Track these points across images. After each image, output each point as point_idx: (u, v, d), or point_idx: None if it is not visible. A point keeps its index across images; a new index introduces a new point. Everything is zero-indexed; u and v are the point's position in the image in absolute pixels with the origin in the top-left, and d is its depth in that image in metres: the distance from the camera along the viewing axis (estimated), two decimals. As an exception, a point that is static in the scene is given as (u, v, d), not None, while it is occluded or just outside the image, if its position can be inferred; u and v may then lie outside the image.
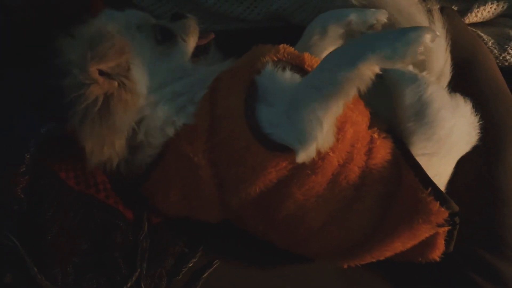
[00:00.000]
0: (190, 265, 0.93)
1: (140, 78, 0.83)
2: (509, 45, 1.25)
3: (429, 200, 0.82)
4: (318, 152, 0.79)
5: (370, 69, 0.74)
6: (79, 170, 0.87)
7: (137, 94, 0.81)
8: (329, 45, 0.99)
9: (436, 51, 1.01)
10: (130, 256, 0.85)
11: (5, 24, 1.13)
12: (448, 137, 0.90)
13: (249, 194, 0.84)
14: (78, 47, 0.77)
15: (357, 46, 0.79)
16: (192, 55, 0.95)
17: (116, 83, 0.78)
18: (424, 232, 0.85)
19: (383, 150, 0.87)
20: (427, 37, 0.74)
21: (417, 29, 0.76)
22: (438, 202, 0.81)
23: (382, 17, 0.99)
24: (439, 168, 0.93)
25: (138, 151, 0.85)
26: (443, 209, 0.81)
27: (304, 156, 0.78)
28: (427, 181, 0.83)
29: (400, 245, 0.88)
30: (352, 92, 0.76)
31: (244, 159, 0.81)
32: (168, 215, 0.92)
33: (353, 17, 0.98)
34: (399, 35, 0.76)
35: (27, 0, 1.17)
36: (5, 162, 0.79)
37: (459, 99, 0.97)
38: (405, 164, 0.86)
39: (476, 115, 0.97)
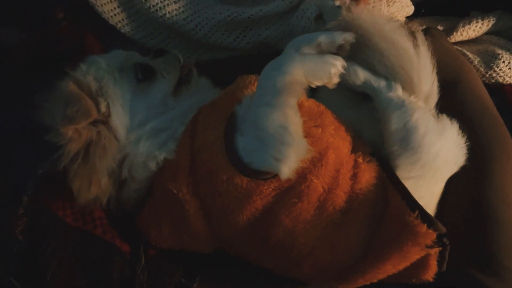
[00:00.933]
0: None
1: (119, 122, 0.86)
2: (494, 63, 1.27)
3: (416, 223, 0.83)
4: (301, 171, 0.81)
5: (299, 74, 0.81)
6: (76, 207, 0.89)
7: (117, 137, 0.85)
8: None
9: (423, 73, 1.03)
10: (128, 288, 0.87)
11: (3, 62, 1.17)
12: (434, 161, 0.92)
13: (237, 223, 0.86)
14: (53, 109, 0.81)
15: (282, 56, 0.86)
16: (174, 88, 0.97)
17: (95, 132, 0.82)
18: (414, 254, 0.87)
19: (368, 174, 0.89)
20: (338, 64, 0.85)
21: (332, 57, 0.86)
22: (425, 224, 0.83)
23: (349, 37, 1.01)
24: (427, 190, 0.95)
25: (124, 186, 0.88)
26: (430, 231, 0.83)
27: (286, 169, 0.79)
28: (413, 204, 0.85)
29: (391, 267, 0.89)
30: (297, 91, 0.81)
31: (229, 191, 0.82)
32: (163, 248, 0.94)
33: (322, 39, 1.00)
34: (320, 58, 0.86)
35: (24, 39, 1.22)
36: (4, 206, 0.82)
37: (446, 121, 0.98)
38: (392, 187, 0.89)
39: (463, 135, 0.98)
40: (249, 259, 0.97)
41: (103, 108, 0.85)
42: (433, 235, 0.84)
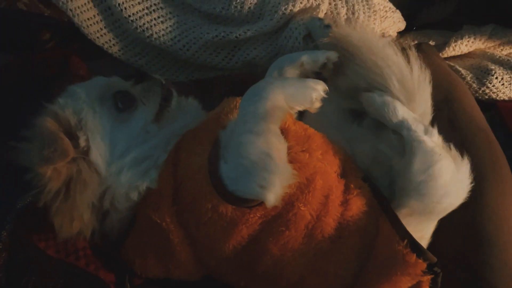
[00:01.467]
0: None
1: (99, 155, 0.84)
2: (487, 79, 1.26)
3: (405, 252, 0.82)
4: (288, 198, 0.80)
5: (279, 99, 0.79)
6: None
7: (97, 171, 0.83)
8: None
9: (423, 91, 1.01)
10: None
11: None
12: (444, 208, 0.90)
13: (224, 252, 0.84)
14: (30, 149, 0.79)
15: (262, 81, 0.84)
16: (156, 114, 0.94)
17: (74, 169, 0.80)
18: (404, 283, 0.85)
19: (360, 201, 0.87)
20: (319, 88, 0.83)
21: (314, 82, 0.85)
22: (415, 254, 0.81)
23: (332, 56, 1.02)
24: (427, 226, 0.93)
25: (107, 217, 0.86)
26: (420, 260, 0.81)
27: (272, 196, 0.76)
28: (403, 233, 0.84)
29: None
30: (278, 117, 0.79)
31: (214, 220, 0.80)
32: (148, 277, 0.92)
33: (304, 58, 1.01)
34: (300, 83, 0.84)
35: (10, 62, 1.21)
36: (-19, 242, 0.80)
37: (460, 161, 0.95)
38: (383, 214, 0.87)
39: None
40: (240, 285, 0.94)
41: (82, 142, 0.83)
42: (423, 265, 0.81)
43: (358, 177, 0.90)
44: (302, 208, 0.82)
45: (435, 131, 0.93)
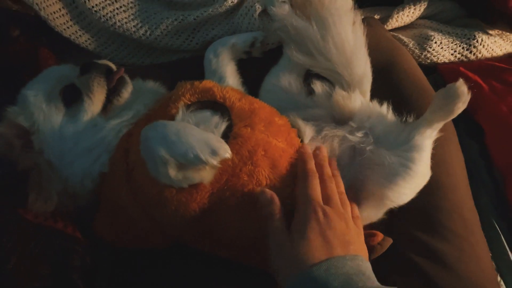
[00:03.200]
0: None
1: (52, 153, 0.93)
2: (427, 44, 1.36)
3: None
4: (230, 169, 0.87)
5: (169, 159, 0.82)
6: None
7: (53, 167, 0.93)
8: (226, 63, 1.16)
9: (356, 58, 1.10)
10: (89, 277, 0.91)
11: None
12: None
13: (181, 226, 0.90)
14: None
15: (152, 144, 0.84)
16: (103, 105, 0.98)
17: (33, 161, 0.92)
18: None
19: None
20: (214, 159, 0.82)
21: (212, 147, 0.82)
22: None
23: (258, 36, 1.18)
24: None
25: (74, 198, 0.96)
26: None
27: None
28: None
29: None
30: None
31: (164, 203, 0.86)
32: (119, 246, 0.99)
33: (234, 40, 1.17)
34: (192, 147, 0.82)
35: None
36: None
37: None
38: None
39: (400, 112, 1.05)
40: (204, 250, 1.00)
41: (36, 145, 0.92)
42: None
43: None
44: (245, 178, 0.88)
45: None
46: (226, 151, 0.83)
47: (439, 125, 0.99)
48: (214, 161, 0.82)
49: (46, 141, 0.93)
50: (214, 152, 0.82)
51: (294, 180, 0.92)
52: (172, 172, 0.81)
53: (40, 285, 0.85)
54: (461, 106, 0.94)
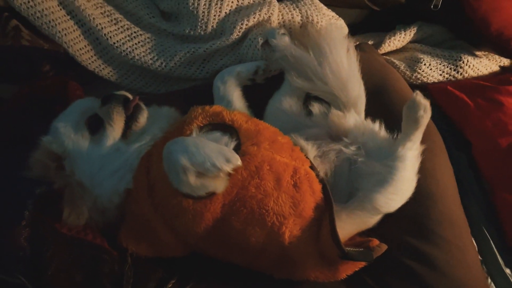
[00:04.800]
0: (170, 286, 1.08)
1: (82, 175, 1.05)
2: (417, 66, 1.48)
3: None
4: (240, 182, 0.98)
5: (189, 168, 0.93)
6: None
7: (84, 187, 1.05)
8: (232, 90, 1.29)
9: (351, 81, 1.22)
10: (117, 283, 1.04)
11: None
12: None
13: (197, 233, 1.01)
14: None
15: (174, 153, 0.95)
16: (123, 132, 1.10)
17: (68, 182, 1.05)
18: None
19: (306, 184, 1.03)
20: (227, 166, 0.94)
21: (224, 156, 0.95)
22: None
23: (261, 64, 1.30)
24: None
25: (103, 213, 1.07)
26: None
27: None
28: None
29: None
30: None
31: (182, 212, 0.98)
32: (141, 256, 1.09)
33: (239, 68, 1.30)
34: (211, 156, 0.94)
35: (18, 91, 1.43)
36: (10, 219, 1.01)
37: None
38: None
39: (391, 129, 1.15)
40: (218, 258, 1.10)
41: (68, 167, 1.05)
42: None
43: (305, 164, 1.06)
44: (253, 190, 0.99)
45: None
46: (238, 160, 0.96)
47: (415, 136, 1.09)
48: (228, 168, 0.94)
49: (76, 164, 1.06)
50: (228, 160, 0.94)
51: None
52: (192, 178, 0.93)
53: (75, 289, 0.98)
54: (423, 113, 1.05)
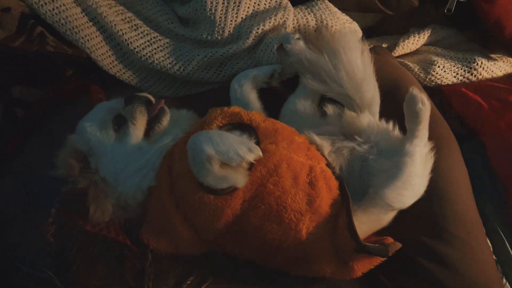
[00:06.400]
0: (188, 282, 1.12)
1: (106, 172, 1.10)
2: (431, 68, 1.50)
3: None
4: (259, 180, 1.01)
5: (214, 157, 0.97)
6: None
7: (108, 183, 1.09)
8: (249, 92, 1.33)
9: (366, 83, 1.25)
10: (139, 279, 1.08)
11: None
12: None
13: (217, 229, 1.04)
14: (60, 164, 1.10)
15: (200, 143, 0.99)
16: (146, 131, 1.15)
17: (93, 179, 1.09)
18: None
19: (321, 181, 1.05)
20: (250, 156, 0.98)
21: (247, 147, 0.99)
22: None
23: (277, 68, 1.34)
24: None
25: (125, 210, 1.11)
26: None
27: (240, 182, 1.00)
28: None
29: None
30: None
31: (203, 208, 1.01)
32: (161, 252, 1.12)
33: (255, 72, 1.34)
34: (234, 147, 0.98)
35: (42, 95, 1.48)
36: (37, 217, 1.06)
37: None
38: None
39: (405, 129, 1.16)
40: (235, 254, 1.13)
41: (93, 165, 1.10)
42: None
43: (321, 162, 1.09)
44: (271, 187, 1.02)
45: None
46: (259, 150, 1.00)
47: (420, 132, 1.11)
48: (250, 158, 0.98)
49: (100, 162, 1.11)
50: (250, 150, 0.98)
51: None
52: (216, 167, 0.97)
53: (99, 283, 1.02)
54: (421, 106, 1.08)
